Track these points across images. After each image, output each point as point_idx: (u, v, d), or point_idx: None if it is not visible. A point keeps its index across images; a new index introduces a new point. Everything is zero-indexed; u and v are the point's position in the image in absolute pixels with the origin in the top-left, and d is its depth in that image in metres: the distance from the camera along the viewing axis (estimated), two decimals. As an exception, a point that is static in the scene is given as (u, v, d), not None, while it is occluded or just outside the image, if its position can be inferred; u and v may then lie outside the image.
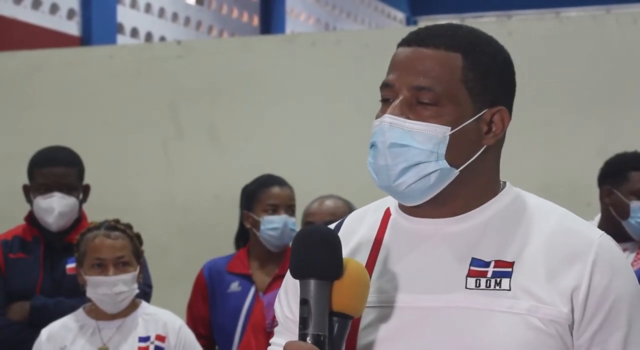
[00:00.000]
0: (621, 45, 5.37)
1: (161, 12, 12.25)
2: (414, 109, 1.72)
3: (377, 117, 1.75)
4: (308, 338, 1.61)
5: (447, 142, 1.70)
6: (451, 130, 1.71)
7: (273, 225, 4.26)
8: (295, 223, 4.25)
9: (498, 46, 1.78)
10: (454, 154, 1.71)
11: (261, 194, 4.33)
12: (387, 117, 1.71)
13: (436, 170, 1.70)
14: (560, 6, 16.14)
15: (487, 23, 10.33)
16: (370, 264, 1.75)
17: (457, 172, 1.72)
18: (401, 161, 1.70)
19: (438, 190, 1.72)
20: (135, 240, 3.59)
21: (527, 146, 5.14)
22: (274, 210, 4.28)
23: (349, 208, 3.57)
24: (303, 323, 1.62)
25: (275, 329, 1.87)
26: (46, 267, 4.12)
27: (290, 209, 4.29)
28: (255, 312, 3.74)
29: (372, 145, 1.73)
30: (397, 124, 1.71)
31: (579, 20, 6.69)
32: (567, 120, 5.38)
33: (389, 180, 1.72)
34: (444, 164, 1.71)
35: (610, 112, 5.34)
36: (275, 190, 4.32)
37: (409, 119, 1.71)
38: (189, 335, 3.67)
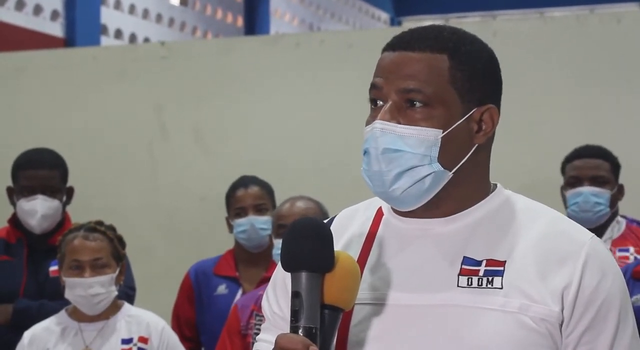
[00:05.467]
0: (605, 45, 5.38)
1: (145, 13, 12.24)
2: (404, 113, 1.72)
3: (367, 123, 1.75)
4: (300, 331, 1.61)
5: (439, 145, 1.71)
6: (442, 132, 1.71)
7: (241, 228, 4.30)
8: (266, 221, 4.25)
9: (482, 45, 1.79)
10: (446, 156, 1.72)
11: (231, 199, 4.38)
12: (378, 123, 1.71)
13: (430, 174, 1.71)
14: (544, 6, 16.18)
15: (471, 23, 10.35)
16: (363, 258, 1.76)
17: (450, 174, 1.73)
18: (395, 166, 1.71)
19: (433, 194, 1.73)
20: (116, 242, 3.57)
21: (511, 146, 5.15)
22: (241, 213, 4.31)
23: (320, 209, 3.58)
24: (295, 316, 1.62)
25: (263, 326, 1.87)
26: (30, 270, 4.10)
27: (257, 208, 4.30)
28: (230, 315, 3.75)
29: (365, 152, 1.73)
30: (388, 130, 1.71)
31: (563, 20, 6.70)
32: (551, 120, 5.39)
33: (384, 186, 1.72)
34: (437, 167, 1.71)
35: (594, 112, 5.35)
36: (240, 193, 4.34)
37: (399, 123, 1.71)
38: (172, 336, 3.66)
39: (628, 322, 1.72)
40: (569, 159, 4.29)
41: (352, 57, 5.66)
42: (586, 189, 4.18)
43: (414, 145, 1.70)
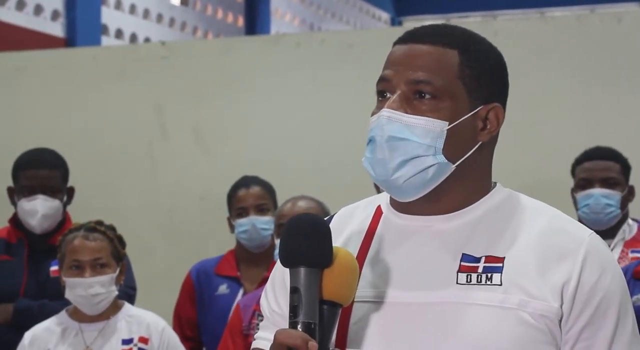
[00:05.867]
0: (605, 45, 5.38)
1: (146, 13, 12.23)
2: (411, 103, 1.73)
3: (373, 114, 1.76)
4: (299, 326, 1.62)
5: (444, 137, 1.72)
6: (449, 124, 1.72)
7: (243, 228, 4.30)
8: (267, 221, 4.25)
9: (492, 46, 1.81)
10: (450, 149, 1.73)
11: (232, 199, 4.39)
12: (385, 111, 1.72)
13: (434, 165, 1.72)
14: (545, 6, 16.18)
15: (472, 23, 10.33)
16: (362, 256, 1.76)
17: (453, 167, 1.73)
18: (399, 154, 1.72)
19: (434, 186, 1.73)
20: (116, 242, 3.57)
21: (512, 146, 5.15)
22: (243, 213, 4.31)
23: (322, 208, 3.58)
24: (293, 311, 1.63)
25: (261, 324, 1.88)
26: (30, 270, 4.10)
27: (259, 208, 4.31)
28: (232, 315, 3.75)
29: (370, 140, 1.74)
30: (395, 118, 1.72)
31: (564, 20, 6.71)
32: (552, 120, 5.39)
33: (386, 174, 1.73)
34: (441, 158, 1.72)
35: (595, 112, 5.35)
36: (241, 193, 4.35)
37: (407, 113, 1.72)
38: (173, 336, 3.66)
39: (628, 319, 1.72)
40: (578, 161, 4.28)
41: (353, 57, 5.66)
42: (597, 191, 4.17)
43: (420, 135, 1.71)
